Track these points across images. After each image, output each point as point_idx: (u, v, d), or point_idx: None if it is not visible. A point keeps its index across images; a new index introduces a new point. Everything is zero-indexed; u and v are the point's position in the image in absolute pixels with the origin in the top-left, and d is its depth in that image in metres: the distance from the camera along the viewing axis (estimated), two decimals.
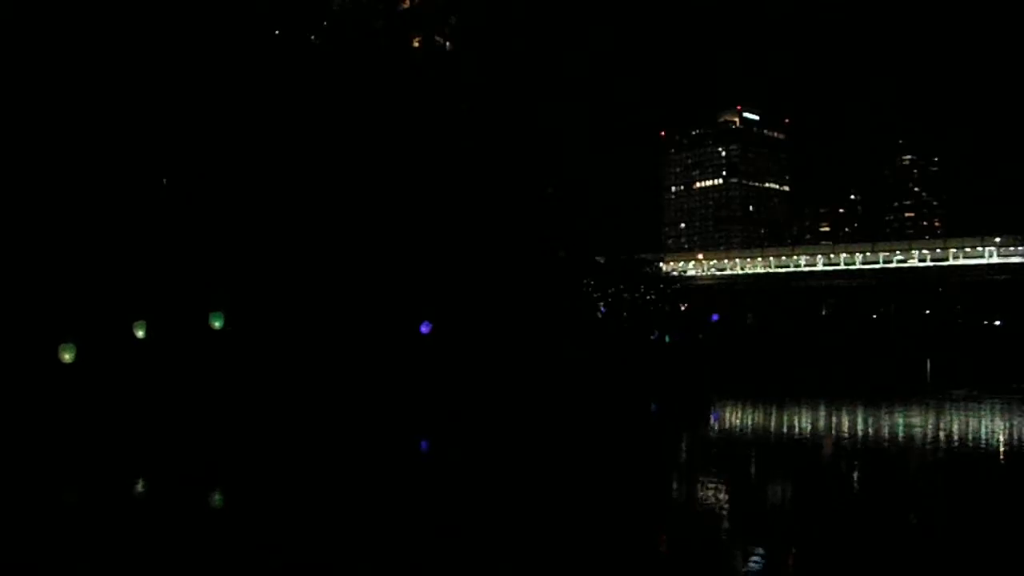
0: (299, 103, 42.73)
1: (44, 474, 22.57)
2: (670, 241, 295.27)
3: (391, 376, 39.00)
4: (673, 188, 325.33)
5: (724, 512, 19.20)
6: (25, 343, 28.90)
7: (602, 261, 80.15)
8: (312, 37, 48.39)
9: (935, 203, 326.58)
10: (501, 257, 52.49)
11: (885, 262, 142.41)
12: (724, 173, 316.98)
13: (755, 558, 14.92)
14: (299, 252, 40.02)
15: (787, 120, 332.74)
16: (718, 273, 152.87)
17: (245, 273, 37.83)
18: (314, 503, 19.13)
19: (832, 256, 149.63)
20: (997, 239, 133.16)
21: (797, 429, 34.43)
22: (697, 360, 69.93)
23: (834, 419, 37.92)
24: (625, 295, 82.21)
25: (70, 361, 28.97)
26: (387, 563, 14.58)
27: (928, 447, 29.37)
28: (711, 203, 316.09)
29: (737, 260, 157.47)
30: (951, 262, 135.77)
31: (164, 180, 38.57)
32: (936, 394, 49.06)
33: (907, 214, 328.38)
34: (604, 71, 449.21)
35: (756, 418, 38.97)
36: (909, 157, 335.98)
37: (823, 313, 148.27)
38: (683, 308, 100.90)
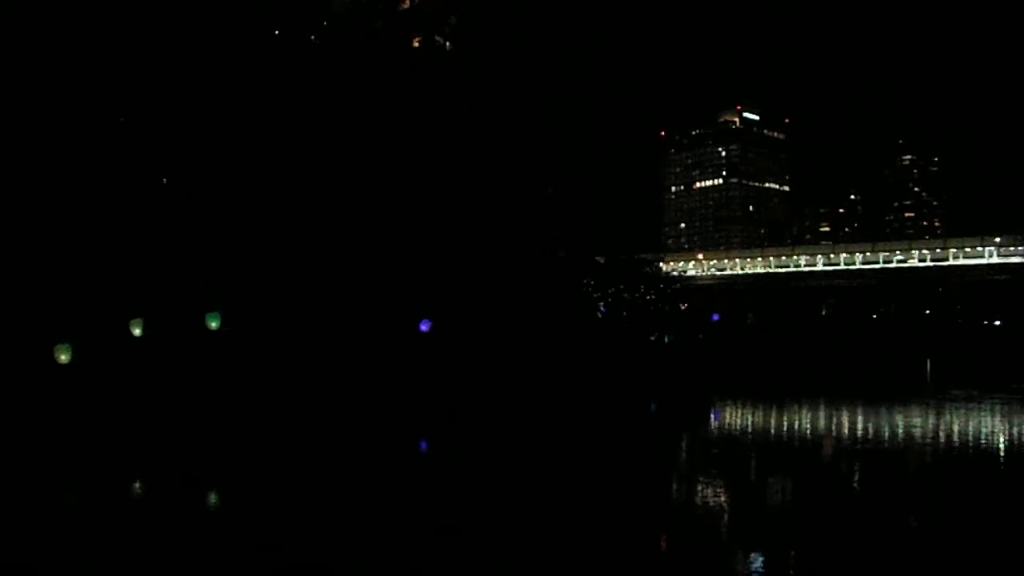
0: (299, 103, 42.72)
1: (41, 474, 22.56)
2: (670, 241, 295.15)
3: (391, 375, 38.97)
4: (673, 188, 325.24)
5: (724, 513, 19.20)
6: (21, 343, 28.83)
7: (602, 261, 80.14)
8: (312, 37, 48.38)
9: (935, 203, 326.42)
10: (501, 257, 52.48)
11: (885, 262, 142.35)
12: (724, 173, 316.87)
13: (755, 559, 14.91)
14: (299, 251, 40.02)
15: (787, 120, 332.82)
16: (718, 273, 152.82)
17: (244, 272, 37.82)
18: (313, 503, 19.12)
19: (832, 256, 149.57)
20: (997, 239, 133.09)
21: (797, 429, 34.42)
22: (697, 360, 69.90)
23: (834, 419, 37.91)
24: (625, 295, 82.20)
25: (66, 361, 28.89)
26: (387, 563, 14.57)
27: (928, 447, 29.35)
28: (711, 203, 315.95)
29: (737, 260, 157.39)
30: (951, 262, 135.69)
31: (164, 180, 38.56)
32: (936, 394, 49.05)
33: (907, 214, 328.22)
34: (604, 71, 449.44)
35: (756, 418, 38.95)
36: (909, 157, 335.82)
37: (823, 313, 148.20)
38: (683, 308, 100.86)
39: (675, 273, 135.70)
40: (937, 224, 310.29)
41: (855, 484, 23.17)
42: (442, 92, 54.16)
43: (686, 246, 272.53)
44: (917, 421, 36.20)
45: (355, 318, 40.16)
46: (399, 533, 16.52)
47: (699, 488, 22.04)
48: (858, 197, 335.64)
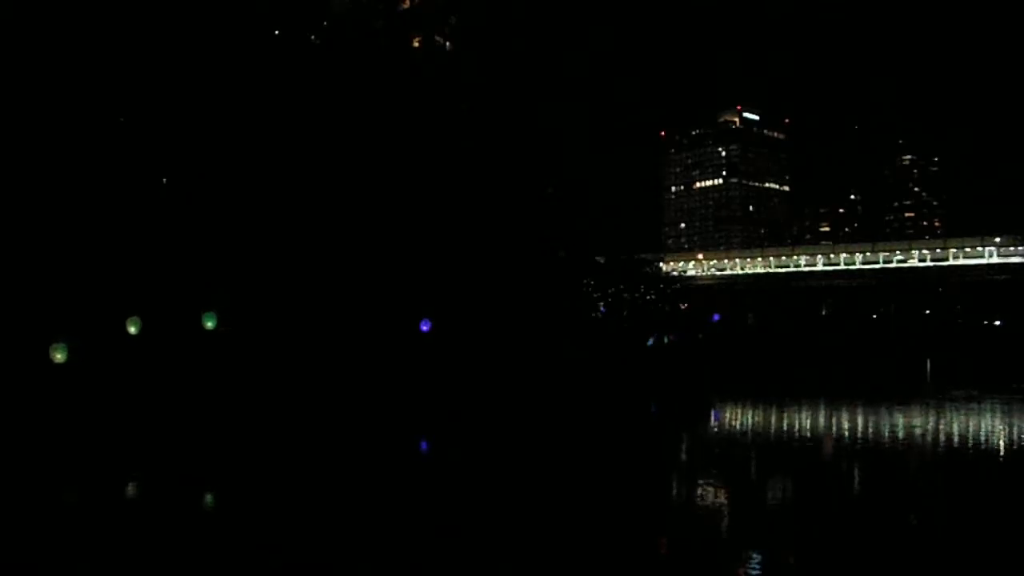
0: (299, 103, 42.73)
1: (37, 474, 22.54)
2: (670, 241, 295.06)
3: (391, 375, 38.97)
4: (673, 188, 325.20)
5: (724, 513, 19.20)
6: (17, 342, 28.76)
7: (602, 261, 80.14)
8: (312, 37, 48.38)
9: (935, 203, 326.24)
10: (501, 257, 52.49)
11: (885, 262, 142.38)
12: (724, 173, 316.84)
13: (755, 560, 14.91)
14: (299, 251, 40.02)
15: (787, 120, 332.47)
16: (718, 273, 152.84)
17: (244, 272, 37.81)
18: (312, 503, 19.11)
19: (832, 256, 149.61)
20: (997, 239, 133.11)
21: (797, 430, 34.41)
22: (697, 360, 69.86)
23: (834, 420, 37.90)
24: (625, 295, 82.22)
25: (62, 361, 28.81)
26: (387, 563, 14.56)
27: (928, 447, 29.35)
28: (711, 203, 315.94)
29: (737, 260, 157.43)
30: (951, 262, 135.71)
31: (164, 180, 38.56)
32: (936, 394, 49.03)
33: (907, 214, 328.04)
34: (604, 71, 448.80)
35: (756, 419, 38.96)
36: (909, 157, 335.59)
37: (823, 313, 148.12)
38: (683, 308, 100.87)
39: (675, 273, 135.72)
40: (937, 224, 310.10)
41: (855, 485, 23.16)
42: (442, 92, 54.16)
43: (686, 246, 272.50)
44: (917, 421, 36.19)
45: (355, 318, 40.16)
46: (399, 533, 16.51)
47: (699, 489, 22.04)
48: (858, 197, 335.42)
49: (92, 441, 27.38)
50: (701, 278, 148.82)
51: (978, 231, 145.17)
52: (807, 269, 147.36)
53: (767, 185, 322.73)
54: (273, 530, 16.67)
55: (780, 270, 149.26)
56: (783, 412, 40.52)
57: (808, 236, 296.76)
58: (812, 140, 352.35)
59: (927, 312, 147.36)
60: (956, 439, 31.32)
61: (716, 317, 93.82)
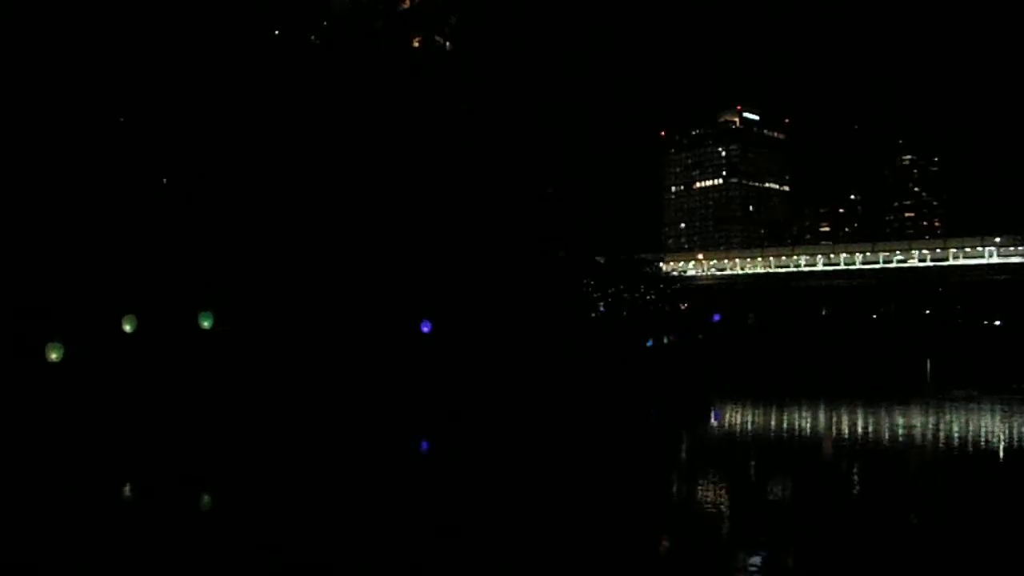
0: (299, 103, 42.71)
1: (33, 474, 22.52)
2: (670, 241, 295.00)
3: (391, 375, 38.95)
4: (673, 188, 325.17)
5: (724, 514, 19.18)
6: (11, 341, 28.68)
7: (602, 261, 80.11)
8: (312, 37, 48.36)
9: (935, 203, 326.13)
10: (501, 257, 52.48)
11: (885, 262, 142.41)
12: (724, 173, 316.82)
13: (755, 560, 14.90)
14: (300, 251, 40.00)
15: (787, 120, 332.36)
16: (718, 273, 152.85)
17: (244, 272, 37.79)
18: (312, 503, 19.10)
19: (832, 256, 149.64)
20: (997, 239, 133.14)
21: (797, 430, 34.41)
22: (697, 360, 69.87)
23: (834, 420, 37.90)
24: (625, 295, 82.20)
25: (57, 360, 28.73)
26: (387, 563, 14.56)
27: (928, 447, 29.35)
28: (711, 203, 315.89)
29: (737, 260, 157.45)
30: (951, 262, 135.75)
31: (164, 180, 38.53)
32: (936, 394, 49.03)
33: (907, 214, 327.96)
34: (604, 71, 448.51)
35: (756, 419, 38.95)
36: (909, 157, 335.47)
37: (823, 313, 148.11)
38: (683, 308, 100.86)
39: (675, 273, 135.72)
40: (937, 224, 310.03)
41: (855, 485, 23.15)
42: (442, 92, 54.15)
43: (686, 246, 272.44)
44: (917, 421, 36.19)
45: (357, 319, 40.14)
46: (399, 533, 16.51)
47: (699, 489, 22.03)
48: (858, 197, 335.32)
49: (88, 441, 27.36)
50: (701, 278, 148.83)
51: (978, 231, 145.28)
52: (807, 269, 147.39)
53: (767, 185, 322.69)
54: (272, 530, 16.66)
55: (780, 270, 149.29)
56: (783, 412, 40.52)
57: (808, 236, 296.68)
58: (812, 140, 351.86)
59: (927, 312, 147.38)
60: (956, 439, 31.31)
61: (716, 317, 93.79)
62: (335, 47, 48.43)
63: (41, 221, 32.24)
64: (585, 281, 73.54)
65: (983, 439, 31.24)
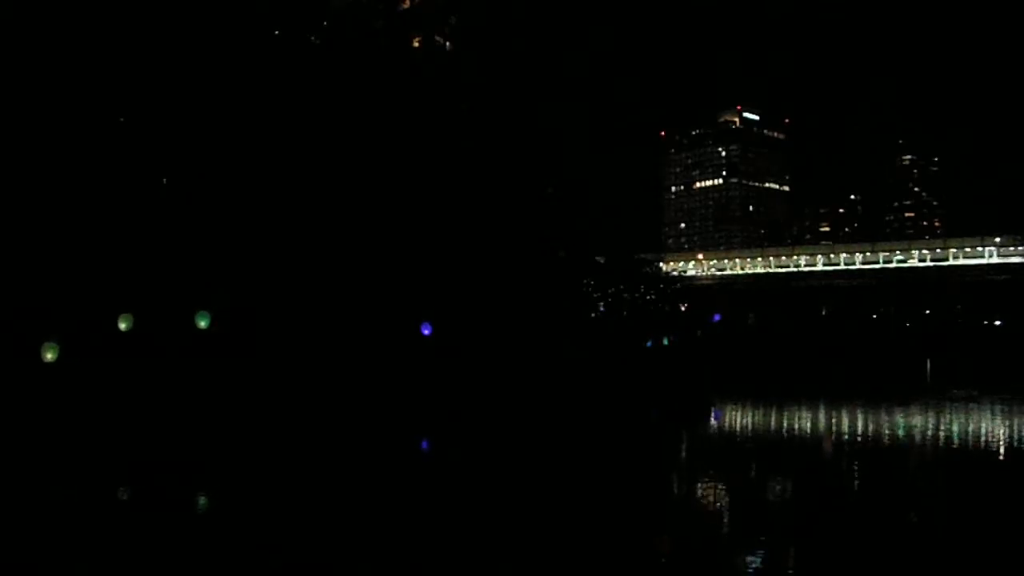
0: (299, 103, 42.70)
1: (29, 475, 22.51)
2: (670, 241, 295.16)
3: (391, 376, 38.93)
4: (673, 188, 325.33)
5: (724, 514, 19.18)
6: (7, 341, 28.62)
7: (602, 261, 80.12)
8: (312, 37, 48.34)
9: (935, 203, 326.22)
10: (501, 258, 52.46)
11: (885, 262, 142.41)
12: (724, 173, 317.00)
13: (754, 560, 14.90)
14: (299, 252, 39.99)
15: (787, 120, 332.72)
16: (718, 273, 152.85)
17: (244, 273, 37.78)
18: (311, 503, 19.10)
19: (832, 256, 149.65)
20: (997, 239, 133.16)
21: (798, 431, 34.42)
22: (697, 360, 69.85)
23: (834, 420, 37.90)
24: (625, 295, 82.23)
25: (52, 360, 28.65)
26: (387, 563, 14.55)
27: (928, 447, 29.36)
28: (711, 203, 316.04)
29: (737, 260, 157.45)
30: (951, 262, 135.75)
31: (164, 180, 38.52)
32: (936, 394, 49.04)
33: (907, 214, 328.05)
34: (604, 71, 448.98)
35: (757, 419, 38.96)
36: (909, 157, 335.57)
37: (823, 313, 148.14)
38: (683, 308, 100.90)
39: (675, 273, 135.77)
40: (937, 224, 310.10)
41: (855, 485, 23.15)
42: (442, 92, 54.12)
43: (686, 246, 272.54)
44: (917, 421, 36.19)
45: (357, 320, 40.13)
46: (399, 534, 16.50)
47: (699, 489, 22.03)
48: (858, 197, 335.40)
49: (85, 441, 27.33)
50: (701, 278, 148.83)
51: (978, 231, 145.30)
52: (807, 269, 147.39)
53: (767, 185, 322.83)
54: (270, 530, 16.65)
55: (780, 270, 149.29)
56: (783, 412, 40.54)
57: (808, 236, 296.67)
58: (812, 140, 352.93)
59: (927, 312, 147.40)
60: (956, 439, 31.31)
61: (716, 317, 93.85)
62: (335, 47, 48.42)
63: (38, 220, 32.20)
64: (585, 281, 73.54)
65: (983, 439, 31.23)
